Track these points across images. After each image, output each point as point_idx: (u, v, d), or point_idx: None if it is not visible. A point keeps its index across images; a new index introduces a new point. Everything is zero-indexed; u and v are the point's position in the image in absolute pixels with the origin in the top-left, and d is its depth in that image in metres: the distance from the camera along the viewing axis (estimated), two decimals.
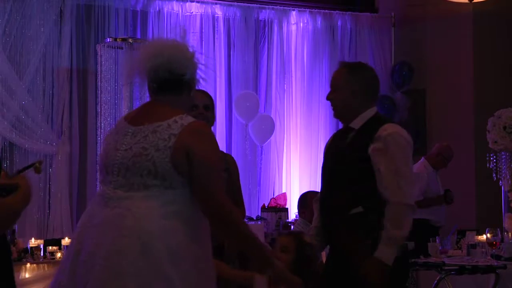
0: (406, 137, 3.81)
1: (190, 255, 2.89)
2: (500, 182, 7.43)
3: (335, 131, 4.51)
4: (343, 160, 3.86)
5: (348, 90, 3.87)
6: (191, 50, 3.12)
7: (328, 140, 4.15)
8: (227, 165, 4.18)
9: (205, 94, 4.13)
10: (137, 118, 3.11)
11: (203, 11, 9.37)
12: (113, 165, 3.02)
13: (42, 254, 6.86)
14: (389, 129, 3.79)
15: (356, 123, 3.88)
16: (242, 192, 4.35)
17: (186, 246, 2.89)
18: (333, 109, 3.99)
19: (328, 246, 3.99)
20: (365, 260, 3.63)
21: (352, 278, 3.70)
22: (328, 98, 3.98)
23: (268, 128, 9.34)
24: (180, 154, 2.95)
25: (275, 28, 9.76)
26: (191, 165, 2.95)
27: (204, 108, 4.06)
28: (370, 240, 3.68)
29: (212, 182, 2.95)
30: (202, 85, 3.24)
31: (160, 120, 3.02)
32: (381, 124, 3.81)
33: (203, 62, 3.16)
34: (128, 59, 3.23)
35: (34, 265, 6.66)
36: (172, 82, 3.09)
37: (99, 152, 8.12)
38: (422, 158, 8.22)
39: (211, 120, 4.12)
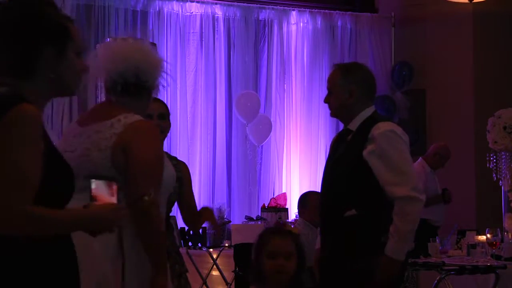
0: (399, 132, 3.74)
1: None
2: (500, 182, 7.41)
3: (336, 131, 4.51)
4: (341, 162, 3.84)
5: (344, 91, 3.82)
6: (159, 57, 3.10)
7: (333, 138, 4.14)
8: (180, 173, 4.01)
9: (160, 102, 3.98)
10: (86, 118, 3.06)
11: (203, 11, 9.36)
12: None
13: None
14: (381, 127, 3.73)
15: (353, 125, 3.84)
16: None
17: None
18: (331, 110, 3.97)
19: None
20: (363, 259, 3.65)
21: (343, 276, 3.71)
22: (325, 101, 3.95)
23: (265, 129, 9.32)
24: (119, 153, 2.88)
25: (275, 28, 9.76)
26: (127, 162, 2.86)
27: (159, 117, 3.90)
28: (364, 242, 3.68)
29: (142, 178, 2.83)
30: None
31: (105, 119, 2.96)
32: (374, 124, 3.75)
33: (168, 70, 3.12)
34: (93, 57, 3.11)
35: None
36: (135, 86, 3.04)
37: None
38: (420, 158, 8.22)
39: (167, 129, 3.97)
